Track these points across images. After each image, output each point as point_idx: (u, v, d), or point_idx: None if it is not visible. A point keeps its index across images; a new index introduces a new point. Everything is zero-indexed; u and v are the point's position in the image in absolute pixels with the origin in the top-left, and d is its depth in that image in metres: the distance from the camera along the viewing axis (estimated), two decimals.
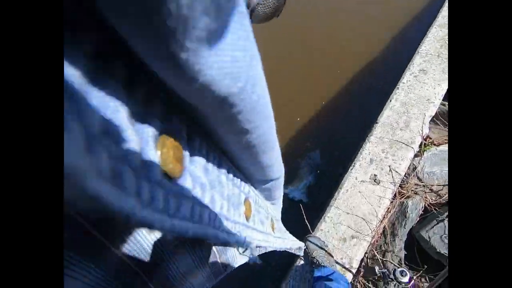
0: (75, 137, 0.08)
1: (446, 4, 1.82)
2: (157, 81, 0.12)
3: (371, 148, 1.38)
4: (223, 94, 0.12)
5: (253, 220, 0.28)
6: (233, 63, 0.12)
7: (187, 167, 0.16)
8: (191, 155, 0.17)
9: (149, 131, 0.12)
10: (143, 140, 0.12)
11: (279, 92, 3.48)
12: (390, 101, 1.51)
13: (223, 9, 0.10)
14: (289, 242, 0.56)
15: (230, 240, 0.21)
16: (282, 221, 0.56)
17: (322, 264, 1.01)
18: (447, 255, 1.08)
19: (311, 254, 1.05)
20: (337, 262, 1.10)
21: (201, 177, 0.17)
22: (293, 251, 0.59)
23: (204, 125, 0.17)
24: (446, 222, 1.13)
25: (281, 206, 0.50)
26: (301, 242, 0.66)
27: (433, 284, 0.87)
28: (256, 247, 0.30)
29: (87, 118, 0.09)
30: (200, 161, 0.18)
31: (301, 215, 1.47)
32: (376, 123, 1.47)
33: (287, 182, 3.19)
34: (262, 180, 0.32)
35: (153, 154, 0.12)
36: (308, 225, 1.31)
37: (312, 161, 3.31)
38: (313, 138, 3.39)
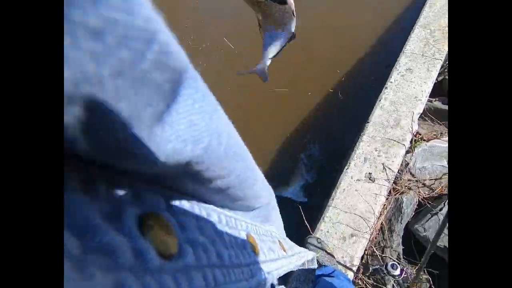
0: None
1: (427, 5, 1.90)
2: (115, 171, 0.12)
3: (364, 147, 1.42)
4: (187, 159, 0.12)
5: (263, 253, 0.28)
6: (191, 128, 0.12)
7: (180, 237, 0.15)
8: (178, 221, 0.15)
9: (128, 222, 0.12)
10: (126, 234, 0.11)
11: (273, 92, 3.51)
12: (380, 100, 1.56)
13: (168, 94, 0.10)
14: (303, 255, 0.56)
15: (252, 286, 0.20)
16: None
17: (323, 264, 1.03)
18: (442, 246, 1.12)
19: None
20: (338, 262, 1.12)
21: (198, 239, 0.16)
22: (307, 266, 0.59)
23: (176, 186, 0.16)
24: (440, 215, 1.17)
25: (282, 222, 0.50)
26: (312, 252, 0.67)
27: (419, 270, 0.91)
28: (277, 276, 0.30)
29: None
30: (189, 223, 0.16)
31: (300, 216, 1.49)
32: (368, 122, 1.51)
33: (284, 183, 3.22)
34: (253, 210, 0.31)
35: (143, 243, 0.12)
36: (308, 226, 1.33)
37: (310, 159, 3.36)
38: (310, 134, 3.44)
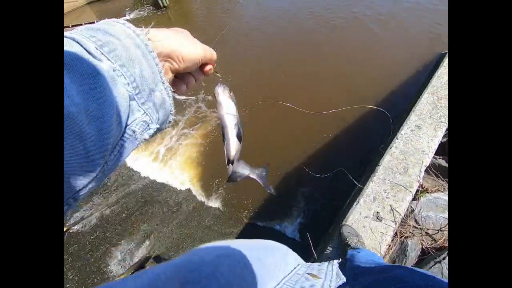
0: None
1: (436, 76, 2.20)
2: None
3: (374, 187, 1.52)
4: None
5: None
6: None
7: None
8: None
9: None
10: None
11: (281, 130, 3.71)
12: (391, 148, 1.71)
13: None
14: (331, 268, 0.66)
15: None
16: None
17: (356, 247, 1.09)
18: None
19: (345, 240, 1.13)
20: None
21: None
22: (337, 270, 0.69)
23: None
24: (443, 263, 1.21)
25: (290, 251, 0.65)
26: (335, 261, 0.76)
27: None
28: None
29: None
30: None
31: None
32: (378, 165, 1.64)
33: (281, 218, 3.19)
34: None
35: None
36: (315, 254, 1.35)
37: (309, 196, 3.39)
38: (313, 170, 3.53)
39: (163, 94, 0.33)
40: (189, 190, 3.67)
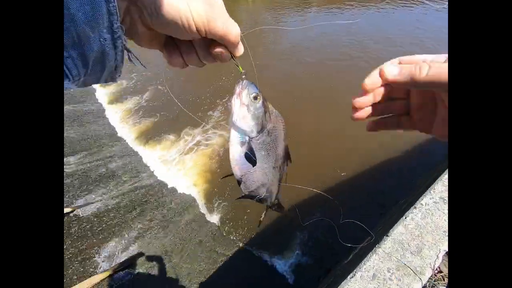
0: None
1: None
2: None
3: (376, 261, 1.33)
4: None
5: None
6: None
7: None
8: None
9: None
10: None
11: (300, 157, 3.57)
12: (405, 218, 1.50)
13: None
14: None
15: None
16: None
17: None
18: None
19: None
20: None
21: None
22: None
23: None
24: None
25: None
26: None
27: None
28: None
29: None
30: None
31: None
32: (387, 235, 1.44)
33: (276, 252, 3.00)
34: None
35: None
36: None
37: (311, 238, 3.16)
38: (318, 213, 3.31)
39: (105, 44, 0.24)
40: (192, 198, 3.66)
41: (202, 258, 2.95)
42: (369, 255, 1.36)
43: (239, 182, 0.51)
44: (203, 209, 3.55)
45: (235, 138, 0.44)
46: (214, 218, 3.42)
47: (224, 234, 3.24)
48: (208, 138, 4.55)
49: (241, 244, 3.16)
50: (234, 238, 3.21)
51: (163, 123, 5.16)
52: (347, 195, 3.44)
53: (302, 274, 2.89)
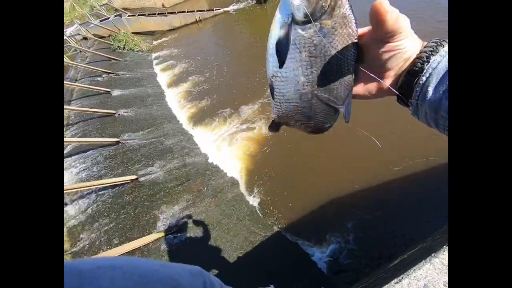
0: None
1: None
2: None
3: (430, 271, 1.17)
4: None
5: None
6: None
7: None
8: None
9: None
10: None
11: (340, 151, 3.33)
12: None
13: None
14: None
15: None
16: None
17: None
18: None
19: None
20: None
21: None
22: None
23: None
24: None
25: None
26: None
27: None
28: None
29: None
30: None
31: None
32: (447, 245, 1.25)
33: (316, 240, 2.96)
34: None
35: None
36: None
37: (353, 230, 3.00)
38: (360, 211, 3.09)
39: None
40: (235, 179, 3.86)
41: (240, 235, 3.13)
42: (421, 263, 1.21)
43: (271, 91, 0.37)
44: (244, 190, 3.72)
45: (277, 17, 0.31)
46: (253, 201, 3.55)
47: (262, 216, 3.35)
48: (256, 122, 4.65)
49: (277, 229, 3.22)
50: (271, 222, 3.29)
51: (214, 106, 5.48)
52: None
53: (338, 268, 2.80)
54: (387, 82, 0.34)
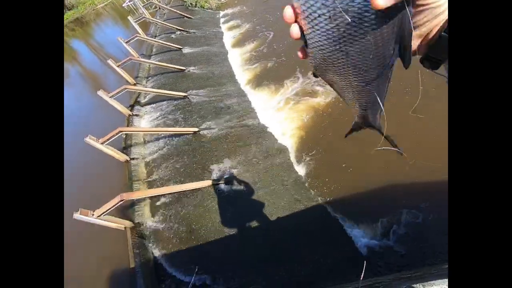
0: None
1: None
2: None
3: None
4: None
5: None
6: None
7: None
8: None
9: None
10: None
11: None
12: None
13: None
14: None
15: None
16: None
17: None
18: None
19: None
20: None
21: None
22: None
23: None
24: None
25: None
26: None
27: None
28: None
29: None
30: None
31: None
32: None
33: (359, 224, 2.88)
34: None
35: None
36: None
37: (407, 226, 2.76)
38: (414, 208, 2.77)
39: None
40: (285, 146, 3.91)
41: (283, 199, 3.28)
42: None
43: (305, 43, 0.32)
44: (292, 158, 3.75)
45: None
46: (300, 170, 3.58)
47: (307, 186, 3.38)
48: (316, 93, 4.40)
49: (320, 201, 3.23)
50: (314, 193, 3.30)
51: (275, 70, 5.37)
52: None
53: (377, 255, 2.70)
54: (414, 42, 0.29)
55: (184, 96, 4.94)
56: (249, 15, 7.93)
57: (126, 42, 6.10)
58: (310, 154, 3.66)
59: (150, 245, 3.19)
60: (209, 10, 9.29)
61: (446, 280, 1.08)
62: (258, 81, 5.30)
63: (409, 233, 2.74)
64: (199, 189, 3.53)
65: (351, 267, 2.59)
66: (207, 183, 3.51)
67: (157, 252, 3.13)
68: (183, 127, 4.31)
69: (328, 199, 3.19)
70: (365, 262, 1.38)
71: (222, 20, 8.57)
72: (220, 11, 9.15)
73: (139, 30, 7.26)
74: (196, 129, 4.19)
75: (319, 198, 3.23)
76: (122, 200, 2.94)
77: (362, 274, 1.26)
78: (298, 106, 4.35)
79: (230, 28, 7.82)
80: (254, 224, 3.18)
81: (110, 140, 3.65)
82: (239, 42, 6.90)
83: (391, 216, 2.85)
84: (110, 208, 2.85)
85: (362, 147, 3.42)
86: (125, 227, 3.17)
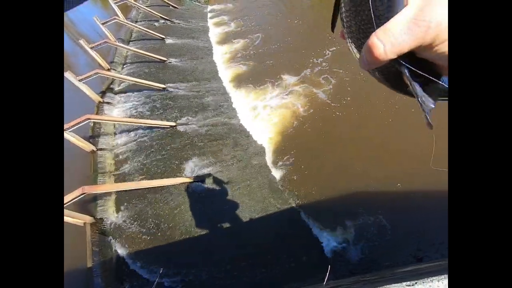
0: None
1: None
2: None
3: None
4: None
5: None
6: None
7: None
8: None
9: None
10: None
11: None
12: None
13: None
14: None
15: None
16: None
17: None
18: None
19: None
20: None
21: None
22: None
23: None
24: None
25: None
26: None
27: None
28: None
29: None
30: None
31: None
32: None
33: (327, 228, 2.99)
34: None
35: None
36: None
37: (368, 230, 2.95)
38: (385, 210, 2.98)
39: None
40: (263, 147, 3.93)
41: (257, 199, 3.29)
42: (437, 277, 1.16)
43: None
44: (269, 161, 3.79)
45: None
46: (276, 173, 3.63)
47: (281, 188, 3.43)
48: (295, 97, 4.50)
49: (293, 204, 3.31)
50: (288, 196, 3.37)
51: (257, 71, 5.38)
52: None
53: (342, 257, 2.84)
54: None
55: (163, 88, 4.73)
56: (238, 12, 7.87)
57: (103, 24, 5.66)
58: (287, 157, 3.73)
59: (112, 242, 2.99)
60: (196, 3, 9.04)
61: (445, 276, 1.16)
62: (242, 81, 5.28)
63: (372, 238, 2.93)
64: (170, 186, 3.40)
65: (316, 270, 2.68)
66: (180, 180, 3.39)
67: (119, 251, 2.94)
68: (159, 120, 4.11)
69: (300, 202, 3.28)
70: (329, 266, 1.43)
71: (209, 15, 8.38)
72: (208, 6, 8.95)
73: (119, 13, 6.78)
74: (173, 124, 4.03)
75: (291, 200, 3.30)
76: (84, 194, 2.71)
77: (326, 277, 1.30)
78: (279, 110, 4.42)
79: (217, 24, 7.69)
80: (225, 224, 3.15)
81: (75, 127, 3.35)
82: (226, 39, 6.81)
83: (359, 221, 3.02)
84: (69, 202, 2.61)
85: (340, 153, 3.58)
86: (84, 223, 2.92)
